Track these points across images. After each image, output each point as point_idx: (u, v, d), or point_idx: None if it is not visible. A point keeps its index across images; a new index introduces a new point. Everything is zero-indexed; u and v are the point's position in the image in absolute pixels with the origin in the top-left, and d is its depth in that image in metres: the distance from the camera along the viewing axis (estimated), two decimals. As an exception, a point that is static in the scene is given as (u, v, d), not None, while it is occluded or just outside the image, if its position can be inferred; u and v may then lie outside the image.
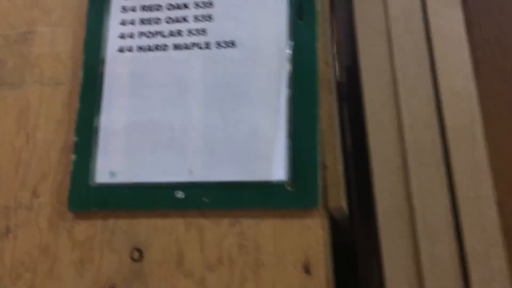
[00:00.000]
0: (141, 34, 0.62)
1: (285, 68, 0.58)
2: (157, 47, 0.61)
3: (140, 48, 0.62)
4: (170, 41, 0.61)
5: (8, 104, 0.63)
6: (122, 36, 0.62)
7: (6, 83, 0.64)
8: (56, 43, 0.64)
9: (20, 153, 0.61)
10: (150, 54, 0.61)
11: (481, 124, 0.64)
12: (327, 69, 0.60)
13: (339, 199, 0.56)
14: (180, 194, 0.57)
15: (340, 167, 0.57)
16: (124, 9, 0.63)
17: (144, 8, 0.63)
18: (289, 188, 0.55)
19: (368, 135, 0.66)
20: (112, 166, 0.59)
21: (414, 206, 0.62)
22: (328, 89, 0.59)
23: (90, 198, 0.58)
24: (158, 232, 0.57)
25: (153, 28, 0.62)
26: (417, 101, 0.67)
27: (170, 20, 0.62)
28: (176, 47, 0.61)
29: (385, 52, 0.70)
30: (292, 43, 0.59)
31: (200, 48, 0.61)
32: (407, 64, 0.68)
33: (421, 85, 0.67)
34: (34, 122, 0.62)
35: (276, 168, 0.56)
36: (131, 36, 0.62)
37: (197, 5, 0.62)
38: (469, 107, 0.66)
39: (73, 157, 0.59)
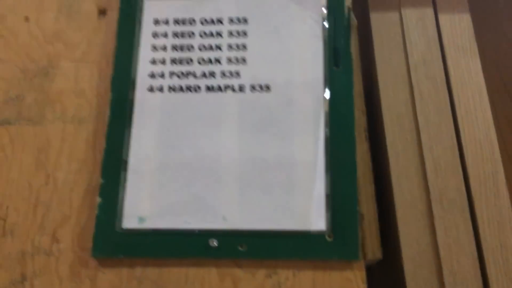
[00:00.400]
0: (172, 74, 0.60)
1: (322, 115, 0.57)
2: (189, 88, 0.59)
3: (171, 88, 0.59)
4: (203, 82, 0.59)
5: (26, 141, 0.59)
6: (152, 75, 0.60)
7: (24, 118, 0.60)
8: (80, 79, 0.61)
9: (38, 194, 0.57)
10: (182, 94, 0.59)
11: (503, 172, 0.64)
12: (362, 117, 0.59)
13: (377, 251, 0.54)
14: (213, 242, 0.54)
15: (376, 217, 0.56)
16: (154, 47, 0.61)
17: (175, 47, 0.61)
18: (328, 238, 0.53)
19: (391, 181, 0.65)
20: (140, 210, 0.55)
21: (440, 254, 0.61)
22: (363, 137, 0.58)
23: (116, 245, 0.54)
24: (189, 282, 0.53)
25: (184, 68, 0.60)
26: (440, 148, 0.66)
27: (202, 61, 0.60)
28: (209, 88, 0.59)
29: (406, 98, 0.70)
30: (328, 90, 0.58)
31: (234, 90, 0.59)
32: (429, 110, 0.69)
33: (443, 132, 0.67)
34: (54, 161, 0.58)
35: (315, 217, 0.54)
36: (162, 75, 0.60)
37: (230, 47, 0.60)
38: (491, 155, 0.66)
39: (98, 199, 0.56)
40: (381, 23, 0.75)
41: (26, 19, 0.63)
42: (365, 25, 0.76)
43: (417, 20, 0.74)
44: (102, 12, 0.63)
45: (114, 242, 0.54)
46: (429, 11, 0.75)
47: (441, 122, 0.68)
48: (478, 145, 0.67)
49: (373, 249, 0.54)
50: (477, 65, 0.71)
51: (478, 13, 0.76)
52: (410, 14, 0.75)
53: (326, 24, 0.60)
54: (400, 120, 0.69)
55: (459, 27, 0.74)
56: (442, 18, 0.74)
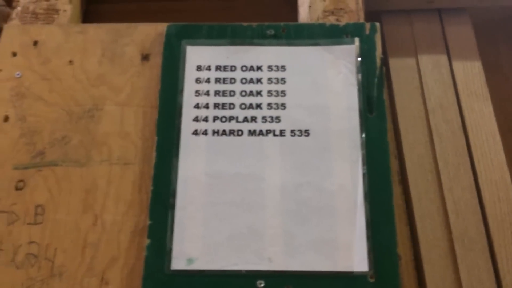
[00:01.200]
0: (216, 118, 0.61)
1: (359, 161, 0.59)
2: (232, 132, 0.61)
3: (215, 132, 0.61)
4: (245, 126, 0.61)
5: (73, 182, 0.59)
6: (196, 119, 0.61)
7: (71, 160, 0.60)
8: (125, 122, 0.62)
9: (86, 236, 0.57)
10: (225, 138, 0.60)
11: (518, 212, 0.68)
12: (395, 161, 0.62)
13: (415, 290, 0.57)
14: (260, 283, 0.55)
15: (412, 258, 0.58)
16: (198, 92, 0.62)
17: (217, 93, 0.63)
18: (370, 279, 0.55)
19: (415, 220, 0.68)
20: (188, 251, 0.56)
21: (464, 293, 0.64)
22: (396, 180, 0.61)
23: (165, 287, 0.55)
24: (237, 322, 0.54)
25: (227, 113, 0.62)
26: (459, 189, 0.69)
27: (244, 106, 0.62)
28: (251, 132, 0.61)
29: (426, 141, 0.73)
30: (364, 136, 0.61)
31: (275, 135, 0.61)
32: (447, 153, 0.72)
33: (461, 173, 0.70)
34: (102, 203, 0.58)
35: (357, 259, 0.55)
36: (206, 119, 0.61)
37: (270, 93, 0.63)
38: (506, 195, 0.69)
39: (147, 241, 0.56)
40: (399, 68, 0.79)
41: (70, 62, 0.64)
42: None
43: (433, 66, 0.78)
44: (144, 57, 0.64)
45: (163, 284, 0.55)
46: (444, 58, 0.79)
47: (459, 163, 0.71)
48: (494, 185, 0.70)
49: (411, 289, 0.56)
50: (490, 110, 0.75)
51: (481, 58, 0.80)
52: (426, 61, 0.79)
53: (360, 73, 0.63)
54: (420, 161, 0.72)
55: (471, 73, 0.78)
56: (456, 64, 0.78)
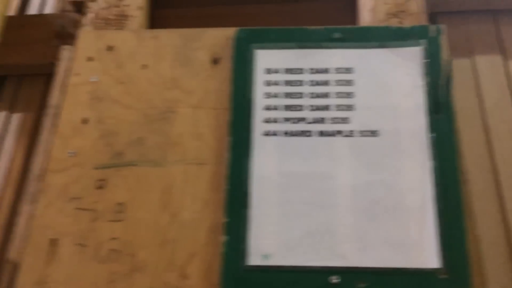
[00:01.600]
0: (286, 119, 0.63)
1: (428, 160, 0.60)
2: (302, 133, 0.62)
3: (285, 133, 0.62)
4: (314, 127, 0.62)
5: (151, 182, 0.61)
6: (267, 121, 0.63)
7: (147, 160, 0.62)
8: (198, 124, 0.64)
9: (165, 232, 0.59)
10: (295, 139, 0.62)
11: None
12: (461, 162, 0.62)
13: None
14: (334, 279, 0.56)
15: (480, 257, 0.59)
16: (268, 95, 0.64)
17: (286, 95, 0.64)
18: (443, 276, 0.56)
19: (476, 219, 0.68)
20: (264, 248, 0.58)
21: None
22: (463, 180, 0.62)
23: (243, 281, 0.56)
24: (313, 317, 0.55)
25: (297, 114, 0.63)
26: (519, 187, 0.70)
27: (313, 108, 0.63)
28: (321, 133, 0.62)
29: (483, 141, 0.73)
30: (432, 136, 0.61)
31: (345, 135, 0.62)
32: (505, 151, 0.72)
33: (520, 173, 0.71)
34: (179, 201, 0.60)
35: (428, 255, 0.56)
36: (276, 121, 0.63)
37: (338, 94, 0.64)
38: None
39: (224, 238, 0.58)
40: (455, 68, 0.78)
41: (144, 66, 0.66)
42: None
43: (489, 67, 0.78)
44: (215, 60, 0.66)
45: (240, 278, 0.56)
46: (499, 59, 0.79)
47: (517, 163, 0.71)
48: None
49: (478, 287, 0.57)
50: (547, 109, 0.75)
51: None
52: (482, 61, 0.79)
53: (426, 75, 0.63)
54: (479, 161, 0.72)
55: (526, 74, 0.78)
56: (511, 65, 0.79)
